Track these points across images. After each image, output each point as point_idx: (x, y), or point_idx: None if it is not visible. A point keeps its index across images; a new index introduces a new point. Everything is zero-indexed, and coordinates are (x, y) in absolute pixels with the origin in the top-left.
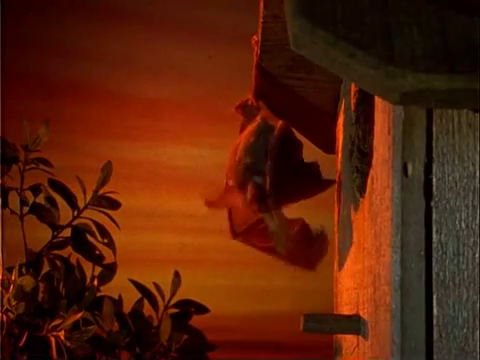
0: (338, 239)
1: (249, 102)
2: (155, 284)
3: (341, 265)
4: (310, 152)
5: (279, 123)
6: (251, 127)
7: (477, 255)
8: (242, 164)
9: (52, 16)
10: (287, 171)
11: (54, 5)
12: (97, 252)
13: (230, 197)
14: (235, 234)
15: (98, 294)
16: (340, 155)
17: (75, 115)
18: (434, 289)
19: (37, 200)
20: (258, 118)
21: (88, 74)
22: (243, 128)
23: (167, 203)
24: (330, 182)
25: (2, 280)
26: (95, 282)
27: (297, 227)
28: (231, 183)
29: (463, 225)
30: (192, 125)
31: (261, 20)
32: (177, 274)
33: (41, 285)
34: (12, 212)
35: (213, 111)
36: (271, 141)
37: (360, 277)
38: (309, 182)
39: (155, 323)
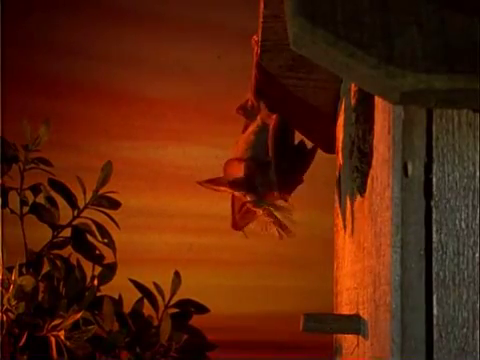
0: (338, 239)
1: (249, 103)
2: (155, 284)
3: (341, 265)
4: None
5: (274, 117)
6: (252, 127)
7: (477, 255)
8: (244, 158)
9: (55, 15)
10: (284, 158)
11: (58, 4)
12: (97, 252)
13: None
14: (236, 225)
15: (98, 294)
16: (340, 155)
17: (79, 114)
18: (434, 289)
19: (37, 200)
20: (258, 119)
21: (95, 74)
22: (246, 129)
23: (172, 203)
24: (312, 151)
25: (2, 280)
26: (95, 282)
27: None
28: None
29: (463, 225)
30: (202, 125)
31: (261, 20)
32: (177, 274)
33: (41, 285)
34: (12, 212)
35: (223, 111)
36: (269, 133)
37: (360, 277)
38: (300, 162)
39: (155, 323)
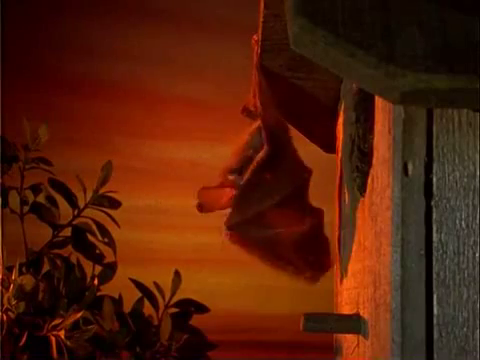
0: (338, 238)
1: (251, 105)
2: (155, 283)
3: (341, 264)
4: (310, 151)
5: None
6: (250, 128)
7: (477, 254)
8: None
9: (57, 13)
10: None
11: (69, 2)
12: (97, 251)
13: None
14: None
15: (98, 293)
16: (340, 154)
17: (79, 113)
18: (434, 288)
19: (37, 199)
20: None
21: (100, 72)
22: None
23: (173, 202)
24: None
25: (2, 279)
26: (95, 281)
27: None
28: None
29: (463, 224)
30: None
31: (261, 19)
32: (177, 273)
33: (41, 284)
34: (12, 211)
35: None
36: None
37: (360, 276)
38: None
39: (155, 322)
